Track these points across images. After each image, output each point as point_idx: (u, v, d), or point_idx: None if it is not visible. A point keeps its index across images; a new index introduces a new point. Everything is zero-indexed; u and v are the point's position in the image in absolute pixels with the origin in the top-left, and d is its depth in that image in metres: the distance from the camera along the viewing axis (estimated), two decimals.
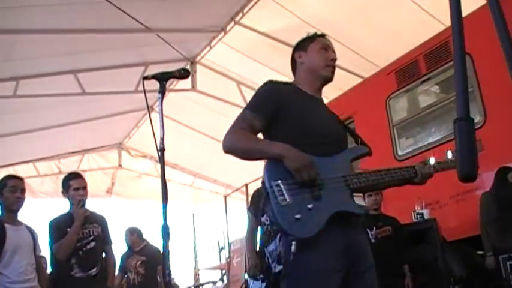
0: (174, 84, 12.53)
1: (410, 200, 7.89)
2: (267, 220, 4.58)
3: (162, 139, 3.26)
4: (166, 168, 12.90)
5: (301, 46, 3.54)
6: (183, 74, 3.49)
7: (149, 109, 3.29)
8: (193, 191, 19.14)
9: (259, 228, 4.76)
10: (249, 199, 4.93)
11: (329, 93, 12.16)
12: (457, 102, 1.21)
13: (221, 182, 18.38)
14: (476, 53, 7.27)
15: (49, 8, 8.87)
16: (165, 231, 3.21)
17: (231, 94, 13.37)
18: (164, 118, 12.35)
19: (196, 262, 13.56)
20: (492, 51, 7.29)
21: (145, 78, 3.31)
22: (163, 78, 3.38)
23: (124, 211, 19.64)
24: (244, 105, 12.49)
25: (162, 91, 3.35)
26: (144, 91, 3.26)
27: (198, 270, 13.43)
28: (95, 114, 13.83)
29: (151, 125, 3.27)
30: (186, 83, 12.64)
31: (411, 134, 9.01)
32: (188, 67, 12.49)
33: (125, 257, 9.41)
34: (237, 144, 3.14)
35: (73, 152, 16.42)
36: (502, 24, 1.22)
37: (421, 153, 8.40)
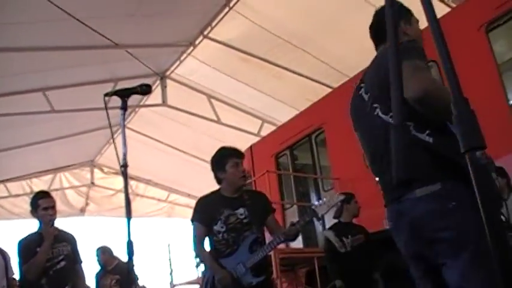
0: (144, 99, 12.50)
1: (380, 207, 7.91)
2: (222, 228, 4.54)
3: (125, 155, 3.23)
4: (139, 184, 12.83)
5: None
6: (144, 89, 3.47)
7: (111, 126, 3.27)
8: (168, 205, 19.08)
9: (207, 237, 4.69)
10: (194, 208, 4.84)
11: (298, 105, 12.26)
12: (393, 111, 1.24)
13: (194, 196, 18.33)
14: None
15: (18, 26, 8.79)
16: (129, 247, 3.18)
17: (203, 108, 13.37)
18: (136, 134, 12.35)
19: (171, 277, 13.43)
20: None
21: (106, 95, 3.30)
22: (124, 94, 3.36)
23: (99, 229, 19.47)
24: (215, 119, 12.52)
25: (124, 107, 3.33)
26: (106, 108, 3.25)
27: (174, 286, 13.31)
28: (65, 132, 13.70)
29: (113, 142, 3.23)
30: (156, 98, 12.63)
31: None
32: (158, 82, 12.48)
33: (99, 277, 9.31)
34: None
35: (44, 171, 16.24)
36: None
37: None
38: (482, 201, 1.13)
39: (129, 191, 11.88)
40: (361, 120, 3.07)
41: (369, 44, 3.21)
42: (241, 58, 11.58)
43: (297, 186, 11.13)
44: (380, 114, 2.78)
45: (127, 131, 13.97)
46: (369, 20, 3.19)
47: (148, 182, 17.66)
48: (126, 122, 13.23)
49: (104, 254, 9.47)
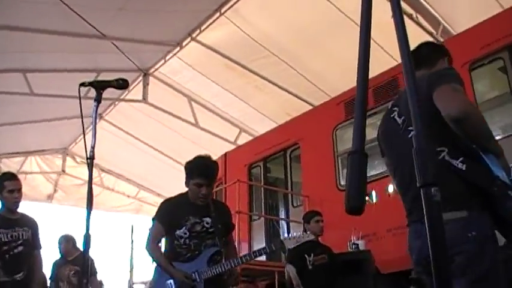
0: (125, 94, 12.43)
1: (348, 229, 7.97)
2: (185, 234, 4.51)
3: (93, 148, 3.18)
4: (110, 177, 12.72)
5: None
6: (121, 84, 3.44)
7: (82, 116, 3.22)
8: (137, 202, 18.95)
9: (163, 239, 4.65)
10: (159, 208, 4.80)
11: (278, 118, 12.29)
12: (353, 136, 1.24)
13: (164, 196, 18.23)
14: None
15: (4, 4, 8.72)
16: (86, 241, 3.14)
17: (182, 110, 13.34)
18: (112, 127, 12.26)
19: (131, 275, 13.29)
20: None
21: (82, 84, 3.26)
22: (99, 86, 3.32)
23: (65, 217, 19.24)
24: (194, 122, 12.49)
25: (98, 99, 3.29)
26: (79, 98, 3.21)
27: (133, 283, 13.18)
28: (41, 116, 13.56)
29: (83, 133, 3.20)
30: (137, 94, 12.57)
31: None
32: (140, 78, 12.43)
33: (57, 265, 9.16)
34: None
35: (16, 153, 16.05)
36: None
37: None
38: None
39: (99, 183, 11.81)
40: (393, 143, 3.11)
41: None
42: (227, 65, 11.59)
43: (266, 198, 11.13)
44: None
45: (104, 123, 14.04)
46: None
47: (119, 176, 17.54)
48: (104, 114, 13.25)
49: (67, 243, 9.32)
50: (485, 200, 2.65)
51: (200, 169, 4.60)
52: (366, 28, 1.38)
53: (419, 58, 3.21)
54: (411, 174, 2.82)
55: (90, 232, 3.18)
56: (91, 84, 3.33)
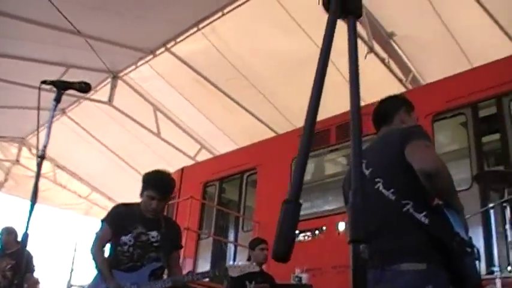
0: (92, 93, 12.30)
1: (293, 261, 7.95)
2: (130, 241, 4.46)
3: (45, 147, 3.14)
4: (64, 174, 12.48)
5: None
6: (83, 87, 3.41)
7: (39, 113, 3.17)
8: (87, 203, 18.68)
9: (110, 244, 4.58)
10: (110, 211, 4.74)
11: (240, 140, 12.31)
12: (291, 185, 1.25)
13: (115, 201, 18.03)
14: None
15: None
16: (24, 239, 3.08)
17: (146, 118, 13.27)
18: (74, 125, 12.07)
19: (71, 276, 13.03)
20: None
21: (44, 82, 3.21)
22: (61, 86, 3.29)
23: (13, 208, 18.87)
24: (156, 131, 12.42)
25: (57, 99, 3.25)
26: (39, 95, 3.16)
27: (71, 286, 12.92)
28: (2, 102, 13.30)
29: (37, 130, 3.15)
30: (103, 95, 12.46)
31: (310, 197, 9.17)
32: (108, 80, 12.33)
33: None
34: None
35: None
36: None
37: (315, 218, 8.60)
38: None
39: (52, 179, 11.61)
40: None
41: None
42: (197, 80, 11.60)
43: (218, 219, 11.08)
44: (381, 188, 2.93)
45: (66, 119, 13.87)
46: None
47: (73, 174, 17.28)
48: (67, 110, 13.08)
49: (8, 235, 9.11)
50: (444, 255, 2.75)
51: (156, 182, 4.57)
52: (322, 71, 1.39)
53: (380, 116, 3.41)
54: (375, 225, 2.85)
55: (29, 231, 3.12)
56: (53, 83, 3.30)
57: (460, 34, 9.61)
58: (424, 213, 2.79)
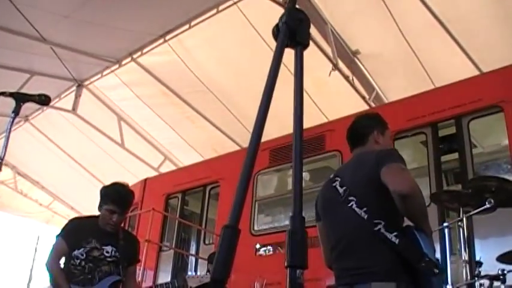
0: (56, 101, 12.20)
1: (254, 275, 7.99)
2: (82, 255, 4.44)
3: (1, 159, 3.12)
4: (25, 182, 12.30)
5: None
6: (43, 100, 3.40)
7: None
8: (49, 212, 18.45)
9: (63, 258, 4.55)
10: (65, 225, 4.72)
11: (204, 152, 12.32)
12: (231, 211, 1.29)
13: (77, 211, 17.85)
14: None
15: None
16: None
17: (110, 127, 13.20)
18: (37, 132, 11.89)
19: (28, 286, 12.85)
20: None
21: (2, 94, 3.20)
22: (20, 99, 3.27)
23: None
24: (120, 142, 12.28)
25: (16, 112, 3.24)
26: None
27: None
28: None
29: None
30: (67, 103, 12.36)
31: (271, 212, 9.22)
32: (73, 88, 12.24)
33: None
34: None
35: None
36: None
37: (276, 232, 8.63)
38: None
39: (13, 186, 11.47)
40: (331, 210, 3.28)
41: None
42: (162, 91, 11.60)
43: (179, 231, 11.03)
44: (354, 207, 3.02)
45: (29, 126, 13.68)
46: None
47: (35, 182, 17.05)
48: (30, 117, 12.91)
49: None
50: (412, 274, 2.83)
51: (115, 196, 4.56)
52: (268, 97, 1.44)
53: (354, 136, 3.51)
54: (344, 243, 3.06)
55: None
56: (12, 95, 3.28)
57: (423, 54, 9.80)
58: (395, 233, 2.87)
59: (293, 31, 1.56)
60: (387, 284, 2.83)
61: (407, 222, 3.06)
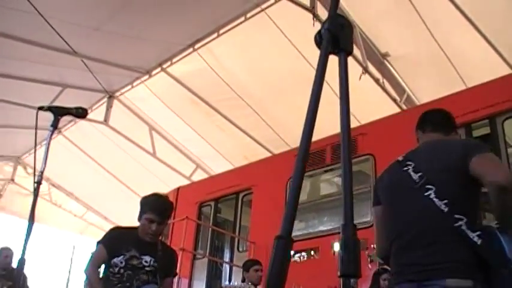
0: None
1: (288, 282, 7.93)
2: (121, 263, 4.47)
3: (42, 173, 3.16)
4: (60, 193, 12.39)
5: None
6: (80, 113, 3.44)
7: (36, 138, 3.20)
8: (83, 223, 18.66)
9: (103, 266, 4.58)
10: (106, 233, 4.76)
11: (235, 160, 12.33)
12: (283, 221, 1.28)
13: (111, 220, 18.02)
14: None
15: None
16: (21, 265, 3.10)
17: (142, 137, 13.30)
18: (70, 144, 12.02)
19: None
20: None
21: (41, 108, 3.24)
22: (58, 112, 3.32)
23: (6, 227, 18.77)
24: (151, 151, 12.34)
25: (54, 126, 3.28)
26: (36, 120, 3.19)
27: None
28: None
29: (35, 156, 3.17)
30: (99, 115, 12.49)
31: (305, 217, 9.18)
32: (104, 100, 12.37)
33: None
34: None
35: None
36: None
37: (309, 238, 8.60)
38: None
39: (47, 198, 11.57)
40: (401, 196, 3.03)
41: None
42: (192, 100, 11.65)
43: (213, 239, 11.06)
44: (432, 197, 2.79)
45: (62, 138, 13.84)
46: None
47: (69, 194, 17.27)
48: (63, 129, 13.05)
49: (6, 257, 9.10)
50: (486, 272, 2.65)
51: (154, 205, 4.59)
52: (315, 104, 1.43)
53: (436, 121, 3.27)
54: (413, 234, 2.84)
55: (25, 256, 3.14)
56: (50, 109, 3.33)
57: (453, 54, 9.69)
58: (477, 233, 2.65)
59: (336, 38, 1.55)
60: (464, 281, 2.64)
61: None
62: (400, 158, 3.13)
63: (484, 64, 9.43)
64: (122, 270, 4.44)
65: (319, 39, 1.58)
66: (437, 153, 2.99)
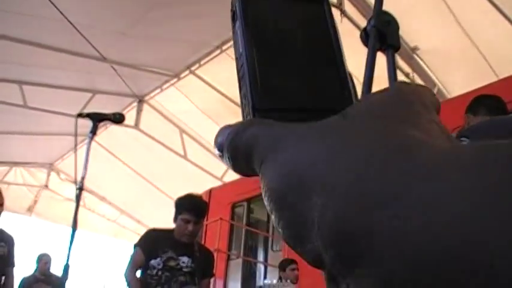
0: None
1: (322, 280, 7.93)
2: (158, 265, 4.49)
3: (83, 178, 3.19)
4: (93, 198, 12.56)
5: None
6: (118, 118, 3.48)
7: (76, 145, 3.24)
8: (116, 226, 18.80)
9: (140, 269, 4.61)
10: (142, 235, 4.81)
11: None
12: None
13: (144, 224, 18.13)
14: None
15: (6, 14, 8.79)
16: (66, 271, 3.14)
17: (173, 140, 13.35)
18: (101, 149, 12.15)
19: None
20: None
21: (80, 115, 3.29)
22: (96, 118, 3.36)
23: (42, 232, 19.04)
24: (182, 154, 12.40)
25: (93, 131, 3.32)
26: (76, 127, 3.23)
27: None
28: (32, 129, 13.50)
29: (75, 162, 3.21)
30: (130, 119, 12.56)
31: None
32: (134, 104, 12.46)
33: (28, 282, 9.07)
34: None
35: (1, 162, 15.95)
36: None
37: None
38: None
39: (81, 203, 11.70)
40: None
41: None
42: (222, 101, 11.65)
43: (247, 239, 11.09)
44: None
45: (93, 143, 13.97)
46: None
47: (102, 198, 17.42)
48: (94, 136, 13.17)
49: (47, 263, 9.25)
50: None
51: (190, 205, 4.62)
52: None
53: (491, 105, 3.42)
54: None
55: (69, 262, 3.18)
56: (88, 115, 3.37)
57: (484, 45, 9.55)
58: None
59: (383, 34, 1.52)
60: None
61: None
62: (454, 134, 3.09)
63: None
64: (159, 272, 4.47)
65: (365, 37, 1.56)
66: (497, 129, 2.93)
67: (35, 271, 9.22)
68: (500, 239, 0.24)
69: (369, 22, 1.58)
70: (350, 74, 0.44)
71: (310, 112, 0.39)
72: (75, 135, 3.18)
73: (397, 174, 0.29)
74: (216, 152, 0.41)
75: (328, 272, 0.31)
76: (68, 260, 3.07)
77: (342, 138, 0.34)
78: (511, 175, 0.25)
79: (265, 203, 0.35)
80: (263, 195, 0.35)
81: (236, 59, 0.46)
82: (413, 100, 0.37)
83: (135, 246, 4.68)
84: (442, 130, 0.36)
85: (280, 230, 0.34)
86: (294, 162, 0.34)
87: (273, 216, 0.35)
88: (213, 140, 0.42)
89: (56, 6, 8.52)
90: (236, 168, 0.40)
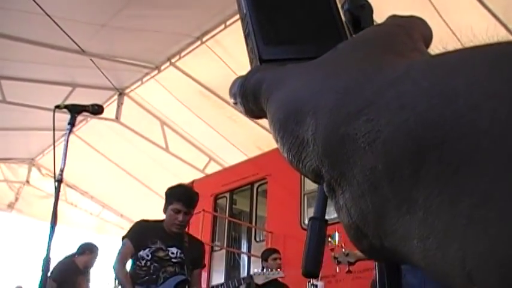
0: None
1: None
2: (147, 256, 4.49)
3: (62, 171, 3.17)
4: (74, 193, 12.47)
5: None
6: (96, 109, 3.46)
7: (54, 137, 3.21)
8: (99, 221, 18.69)
9: (130, 260, 4.61)
10: (131, 227, 4.80)
11: (248, 151, 12.32)
12: (316, 202, 1.26)
13: (127, 218, 18.07)
14: None
15: None
16: (46, 264, 3.11)
17: (154, 133, 13.30)
18: (82, 143, 12.05)
19: None
20: None
21: (57, 107, 3.26)
22: (74, 110, 3.33)
23: (23, 229, 18.90)
24: (164, 146, 12.35)
25: (72, 123, 3.30)
26: (54, 119, 3.20)
27: None
28: (11, 124, 13.35)
29: (54, 154, 3.19)
30: (110, 112, 12.49)
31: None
32: (115, 97, 12.39)
33: (69, 269, 8.73)
34: None
35: None
36: None
37: (329, 224, 8.59)
38: None
39: (63, 198, 11.54)
40: None
41: None
42: (202, 93, 11.63)
43: (230, 230, 11.11)
44: None
45: (73, 137, 13.88)
46: None
47: (84, 193, 17.31)
48: (75, 130, 13.09)
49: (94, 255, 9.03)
50: None
51: (181, 195, 4.63)
52: None
53: None
54: None
55: (50, 256, 3.15)
56: (66, 107, 3.34)
57: (462, 33, 9.58)
58: None
59: (357, 19, 1.53)
60: None
61: None
62: None
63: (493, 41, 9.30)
64: (148, 263, 4.48)
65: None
66: None
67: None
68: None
69: (342, 6, 1.59)
70: (346, 24, 0.51)
71: (311, 60, 0.43)
72: (53, 128, 3.14)
73: (370, 86, 0.34)
74: (232, 101, 0.49)
75: (328, 183, 0.35)
76: (48, 253, 3.04)
77: (330, 68, 0.39)
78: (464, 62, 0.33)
79: (272, 135, 0.41)
80: (270, 129, 0.42)
81: (241, 19, 0.53)
82: (398, 32, 0.43)
83: (124, 238, 4.67)
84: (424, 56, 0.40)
85: (285, 154, 0.40)
86: (291, 94, 0.40)
87: (278, 144, 0.41)
88: (228, 93, 0.50)
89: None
90: (248, 112, 0.47)
